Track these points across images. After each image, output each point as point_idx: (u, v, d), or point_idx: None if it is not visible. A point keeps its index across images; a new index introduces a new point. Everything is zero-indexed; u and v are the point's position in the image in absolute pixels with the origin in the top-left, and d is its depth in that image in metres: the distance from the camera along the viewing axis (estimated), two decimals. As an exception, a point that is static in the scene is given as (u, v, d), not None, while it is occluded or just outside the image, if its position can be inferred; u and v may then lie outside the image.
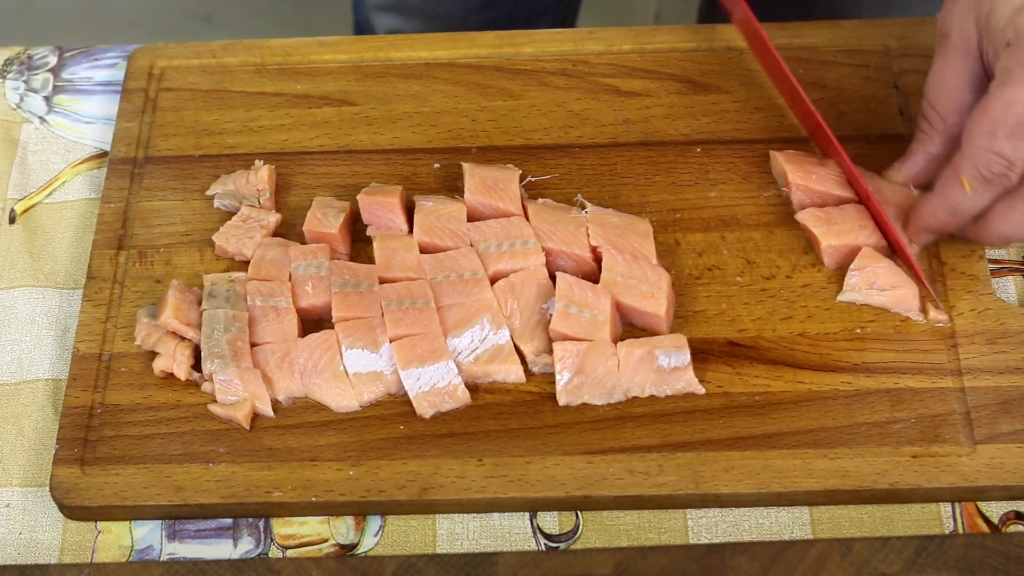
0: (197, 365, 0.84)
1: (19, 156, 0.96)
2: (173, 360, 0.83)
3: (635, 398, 0.82)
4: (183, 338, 0.84)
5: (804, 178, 0.88)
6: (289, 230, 0.90)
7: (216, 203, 0.91)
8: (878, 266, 0.84)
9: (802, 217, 0.87)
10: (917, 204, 0.84)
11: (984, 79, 0.81)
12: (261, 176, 0.90)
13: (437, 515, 0.81)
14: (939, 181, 0.82)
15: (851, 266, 0.85)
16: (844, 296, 0.85)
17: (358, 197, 0.89)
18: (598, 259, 0.86)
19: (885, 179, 0.87)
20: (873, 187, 0.86)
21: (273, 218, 0.89)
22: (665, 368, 0.82)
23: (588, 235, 0.86)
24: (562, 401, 0.82)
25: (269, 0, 2.04)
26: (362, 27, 1.42)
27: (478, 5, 1.31)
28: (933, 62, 0.84)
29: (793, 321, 0.85)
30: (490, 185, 0.88)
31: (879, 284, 0.84)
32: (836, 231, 0.86)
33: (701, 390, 0.82)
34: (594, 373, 0.82)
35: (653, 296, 0.84)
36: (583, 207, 0.88)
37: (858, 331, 0.84)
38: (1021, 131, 0.76)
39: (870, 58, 0.96)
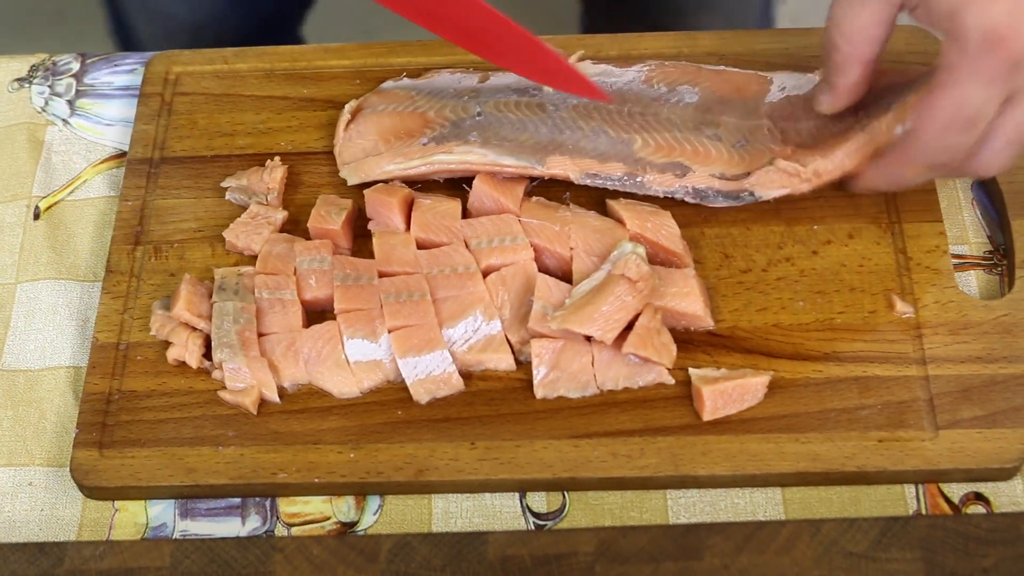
0: (208, 354, 0.82)
1: (44, 156, 0.94)
2: (185, 349, 0.82)
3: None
4: (195, 329, 0.82)
5: (640, 227, 0.83)
6: (295, 227, 0.88)
7: (228, 195, 0.89)
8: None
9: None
10: (867, 171, 0.81)
11: (894, 17, 0.78)
12: (275, 176, 0.88)
13: (432, 495, 0.79)
14: (887, 161, 0.80)
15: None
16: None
17: (365, 193, 0.86)
18: None
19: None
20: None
21: (280, 215, 0.87)
22: (636, 362, 0.79)
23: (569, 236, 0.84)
24: (539, 395, 0.80)
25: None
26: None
27: None
28: None
29: (768, 312, 0.83)
30: (497, 182, 0.86)
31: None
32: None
33: (671, 381, 0.80)
34: (569, 369, 0.79)
35: (688, 295, 0.80)
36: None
37: (829, 321, 0.82)
38: (970, 125, 0.75)
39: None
